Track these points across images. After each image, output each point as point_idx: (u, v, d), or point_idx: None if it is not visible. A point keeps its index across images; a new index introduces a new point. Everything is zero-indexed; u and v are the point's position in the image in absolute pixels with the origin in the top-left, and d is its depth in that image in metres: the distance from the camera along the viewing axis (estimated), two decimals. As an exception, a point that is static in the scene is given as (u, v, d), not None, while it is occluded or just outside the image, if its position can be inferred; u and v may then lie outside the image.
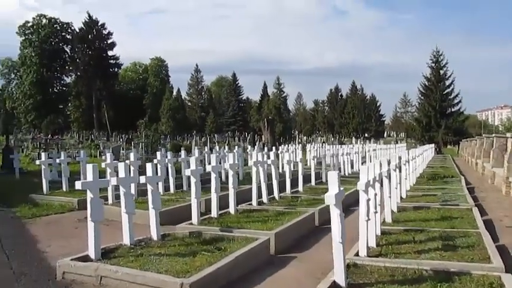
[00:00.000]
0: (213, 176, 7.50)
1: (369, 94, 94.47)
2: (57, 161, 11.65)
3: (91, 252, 4.94)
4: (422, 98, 53.40)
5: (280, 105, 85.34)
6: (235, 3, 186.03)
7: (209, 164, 8.20)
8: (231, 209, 8.00)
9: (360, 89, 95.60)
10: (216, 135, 60.67)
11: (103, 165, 9.31)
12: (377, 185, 6.06)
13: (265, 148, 18.24)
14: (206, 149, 17.79)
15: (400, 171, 9.27)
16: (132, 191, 6.80)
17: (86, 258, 4.86)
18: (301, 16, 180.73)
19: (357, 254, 5.24)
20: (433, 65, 52.27)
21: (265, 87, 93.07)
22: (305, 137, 75.99)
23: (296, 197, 10.25)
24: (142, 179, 6.00)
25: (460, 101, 52.17)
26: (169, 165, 11.21)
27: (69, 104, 70.75)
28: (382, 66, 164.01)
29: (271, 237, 6.02)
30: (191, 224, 6.92)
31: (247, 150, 19.29)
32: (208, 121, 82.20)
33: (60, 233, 7.28)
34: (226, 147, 20.11)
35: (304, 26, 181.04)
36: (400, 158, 9.52)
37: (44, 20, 64.53)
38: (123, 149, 24.79)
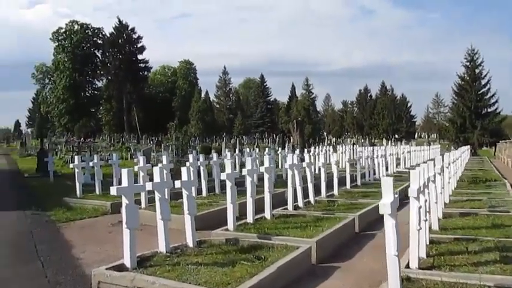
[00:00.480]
0: (248, 179, 7.24)
1: (398, 94, 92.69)
2: (90, 164, 11.65)
3: (127, 261, 4.74)
4: (456, 98, 51.63)
5: (309, 106, 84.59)
6: (261, 5, 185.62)
7: (239, 166, 7.95)
8: (267, 214, 7.72)
9: (390, 89, 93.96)
10: (244, 136, 60.58)
11: (136, 168, 9.18)
12: (426, 190, 5.65)
13: (297, 150, 17.89)
14: (237, 151, 17.62)
15: (443, 174, 8.79)
16: (167, 195, 6.59)
17: (121, 267, 4.66)
18: (328, 17, 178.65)
19: (407, 266, 4.84)
20: (468, 63, 50.48)
21: (293, 89, 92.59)
22: (334, 138, 75.05)
23: (332, 201, 9.87)
24: (178, 184, 5.78)
25: (496, 101, 50.24)
26: (201, 168, 11.03)
27: (101, 108, 72.18)
28: (411, 65, 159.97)
29: (313, 245, 5.69)
30: (227, 230, 6.68)
31: (278, 152, 18.97)
32: (236, 123, 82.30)
33: (94, 238, 7.17)
34: (256, 149, 19.84)
35: (331, 26, 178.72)
36: (443, 160, 9.04)
37: (76, 26, 66.01)
38: (153, 152, 24.88)
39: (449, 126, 51.95)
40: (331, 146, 35.04)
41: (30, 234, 7.29)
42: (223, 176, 6.70)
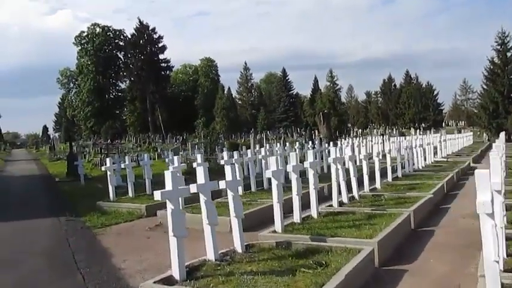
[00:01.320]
0: (293, 176, 6.72)
1: (424, 82, 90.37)
2: (122, 165, 11.31)
3: (175, 272, 4.29)
4: (487, 83, 49.73)
5: (334, 98, 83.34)
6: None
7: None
8: (313, 212, 7.19)
9: (415, 78, 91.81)
10: (268, 131, 60.03)
11: (171, 168, 8.77)
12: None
13: (331, 143, 17.24)
14: (267, 147, 17.09)
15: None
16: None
17: (170, 280, 4.21)
18: (347, 8, 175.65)
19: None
20: (499, 47, 48.42)
21: (316, 81, 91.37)
22: (360, 130, 73.73)
23: (377, 195, 9.26)
24: (222, 184, 5.31)
25: (531, 85, 48.19)
26: (236, 165, 10.53)
27: (125, 109, 72.74)
28: (434, 53, 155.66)
29: (375, 247, 5.13)
30: (275, 232, 6.18)
31: (309, 146, 18.36)
32: (259, 118, 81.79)
33: (132, 245, 6.77)
34: (287, 144, 19.26)
35: (350, 18, 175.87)
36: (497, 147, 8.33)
37: (98, 29, 66.62)
38: (181, 151, 24.61)
39: (481, 113, 50.02)
40: (359, 138, 34.17)
41: (66, 243, 6.94)
42: (268, 174, 6.19)
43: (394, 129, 69.99)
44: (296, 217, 6.78)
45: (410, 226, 7.03)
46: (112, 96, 69.27)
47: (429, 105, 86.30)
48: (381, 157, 12.41)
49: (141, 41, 68.79)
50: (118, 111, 70.70)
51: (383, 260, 5.29)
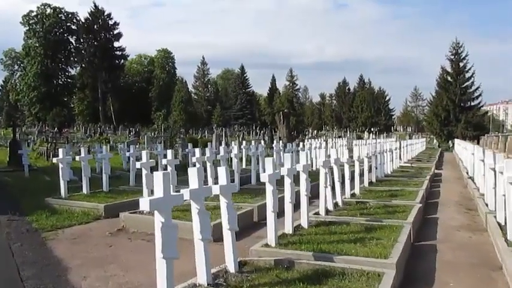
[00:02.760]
0: (287, 181, 5.84)
1: (377, 88, 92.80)
2: (77, 158, 9.95)
3: (162, 305, 3.28)
4: (440, 91, 51.39)
5: (293, 98, 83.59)
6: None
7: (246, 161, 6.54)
8: (303, 221, 6.37)
9: (368, 83, 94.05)
10: (224, 128, 58.91)
11: (138, 165, 7.64)
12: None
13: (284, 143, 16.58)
14: (239, 144, 16.14)
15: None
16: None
17: (156, 317, 3.21)
18: (303, 10, 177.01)
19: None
20: (453, 57, 50.29)
21: (273, 80, 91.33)
22: (315, 131, 74.29)
23: (362, 202, 8.60)
24: (216, 189, 4.34)
25: (480, 95, 50.38)
26: (208, 164, 9.55)
27: (74, 97, 68.77)
28: (384, 60, 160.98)
29: (394, 269, 4.34)
30: (267, 245, 5.28)
31: (280, 146, 17.58)
32: (215, 114, 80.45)
33: (93, 255, 5.62)
34: (253, 142, 18.40)
35: (305, 20, 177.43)
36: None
37: (49, 10, 62.36)
38: (136, 144, 23.09)
39: (433, 120, 51.62)
40: (321, 139, 33.91)
41: (9, 251, 5.66)
42: (264, 178, 5.25)
43: (349, 131, 70.97)
44: (288, 227, 5.92)
45: (410, 240, 6.35)
46: (61, 82, 64.82)
47: (381, 110, 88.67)
48: (366, 161, 11.87)
49: (95, 26, 65.32)
50: (66, 99, 66.45)
51: (399, 284, 4.53)
